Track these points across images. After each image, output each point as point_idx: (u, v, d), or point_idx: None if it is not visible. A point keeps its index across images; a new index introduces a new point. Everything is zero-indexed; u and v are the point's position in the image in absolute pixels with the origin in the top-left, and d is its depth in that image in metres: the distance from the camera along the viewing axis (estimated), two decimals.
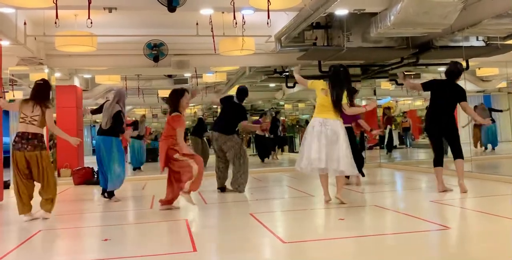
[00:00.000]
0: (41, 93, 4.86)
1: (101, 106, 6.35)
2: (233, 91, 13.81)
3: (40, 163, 4.67)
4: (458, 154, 5.55)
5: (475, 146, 11.60)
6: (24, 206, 4.67)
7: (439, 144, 5.70)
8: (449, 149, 5.83)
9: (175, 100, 5.29)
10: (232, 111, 6.56)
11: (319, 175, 5.08)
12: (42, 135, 4.77)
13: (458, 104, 5.57)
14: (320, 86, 5.06)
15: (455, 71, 5.65)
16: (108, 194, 6.10)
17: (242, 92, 6.68)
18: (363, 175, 6.72)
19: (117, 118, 6.06)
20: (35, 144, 4.66)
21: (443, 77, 5.85)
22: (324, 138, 4.85)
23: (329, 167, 4.85)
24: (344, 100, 4.99)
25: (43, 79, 5.05)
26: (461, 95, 5.58)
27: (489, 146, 11.92)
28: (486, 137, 11.89)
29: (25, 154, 4.61)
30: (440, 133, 5.64)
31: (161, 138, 5.36)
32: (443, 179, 5.56)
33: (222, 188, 6.49)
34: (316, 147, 4.84)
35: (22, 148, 4.61)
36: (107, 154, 6.06)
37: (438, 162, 5.60)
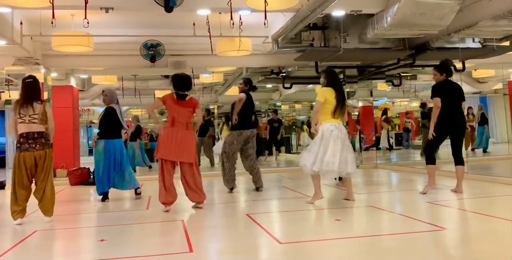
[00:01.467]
0: (35, 91, 4.77)
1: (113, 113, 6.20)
2: (229, 92, 13.88)
3: (47, 161, 4.63)
4: (460, 160, 5.59)
5: (466, 148, 11.64)
6: (21, 211, 4.59)
7: (439, 144, 5.71)
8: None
9: (191, 85, 5.34)
10: (252, 104, 6.56)
11: (314, 176, 5.14)
12: (47, 133, 4.69)
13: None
14: (332, 93, 5.18)
15: (447, 67, 5.68)
16: (136, 192, 6.33)
17: (251, 82, 6.70)
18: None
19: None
20: (43, 142, 4.62)
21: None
22: (340, 142, 5.03)
23: (340, 169, 4.98)
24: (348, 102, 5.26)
25: (32, 77, 4.88)
26: (462, 92, 5.65)
27: (479, 149, 12.00)
28: (479, 140, 11.94)
29: (34, 154, 4.56)
30: (449, 134, 5.63)
31: (184, 126, 5.06)
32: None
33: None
34: (331, 151, 4.98)
35: (30, 148, 4.55)
36: (124, 155, 6.22)
37: (433, 159, 5.64)
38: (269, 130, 13.72)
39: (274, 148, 14.16)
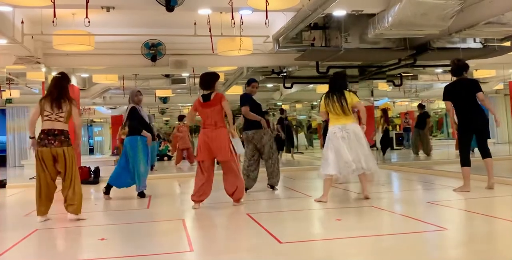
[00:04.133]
0: (63, 88, 4.75)
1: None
2: (230, 92, 13.89)
3: (67, 159, 4.60)
4: (487, 153, 5.68)
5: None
6: (42, 207, 4.61)
7: (468, 143, 5.75)
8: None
9: (214, 81, 5.30)
10: (256, 105, 6.52)
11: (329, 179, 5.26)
12: (67, 131, 4.70)
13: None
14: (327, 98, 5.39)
15: (453, 68, 5.72)
16: (140, 195, 6.27)
17: (250, 82, 6.68)
18: None
19: (132, 115, 6.27)
20: (62, 139, 4.61)
21: (441, 78, 5.88)
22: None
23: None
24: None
25: (61, 73, 4.88)
26: (474, 86, 5.64)
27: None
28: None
29: (51, 150, 4.55)
30: (472, 131, 5.68)
31: (213, 126, 5.12)
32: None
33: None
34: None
35: (49, 144, 4.55)
36: (133, 154, 6.19)
37: (468, 161, 5.65)
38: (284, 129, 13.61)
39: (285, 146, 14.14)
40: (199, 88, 5.42)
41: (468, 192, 5.52)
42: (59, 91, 4.70)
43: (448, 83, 5.78)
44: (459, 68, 5.72)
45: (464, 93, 5.61)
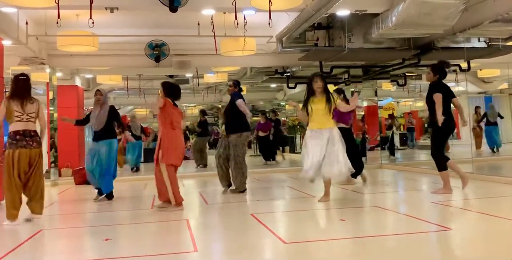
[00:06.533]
0: (28, 89, 4.73)
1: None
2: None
3: (39, 160, 4.63)
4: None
5: (477, 147, 11.56)
6: (15, 211, 4.51)
7: (444, 144, 5.69)
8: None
9: None
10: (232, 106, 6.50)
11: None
12: (38, 132, 4.73)
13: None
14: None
15: (440, 68, 5.62)
16: (109, 196, 6.17)
17: (240, 83, 6.70)
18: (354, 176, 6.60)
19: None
20: (38, 140, 4.64)
21: (446, 78, 5.79)
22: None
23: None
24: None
25: (24, 74, 4.81)
26: (450, 91, 5.58)
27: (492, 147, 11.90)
28: (491, 139, 11.84)
29: (31, 152, 4.54)
30: (450, 131, 5.65)
31: (181, 129, 5.35)
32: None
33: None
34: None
35: (28, 145, 4.53)
36: (109, 156, 6.11)
37: (445, 165, 5.57)
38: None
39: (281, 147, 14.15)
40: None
41: (450, 194, 5.46)
42: (24, 91, 4.66)
43: (433, 81, 5.70)
44: (444, 71, 5.65)
45: (445, 96, 5.54)
